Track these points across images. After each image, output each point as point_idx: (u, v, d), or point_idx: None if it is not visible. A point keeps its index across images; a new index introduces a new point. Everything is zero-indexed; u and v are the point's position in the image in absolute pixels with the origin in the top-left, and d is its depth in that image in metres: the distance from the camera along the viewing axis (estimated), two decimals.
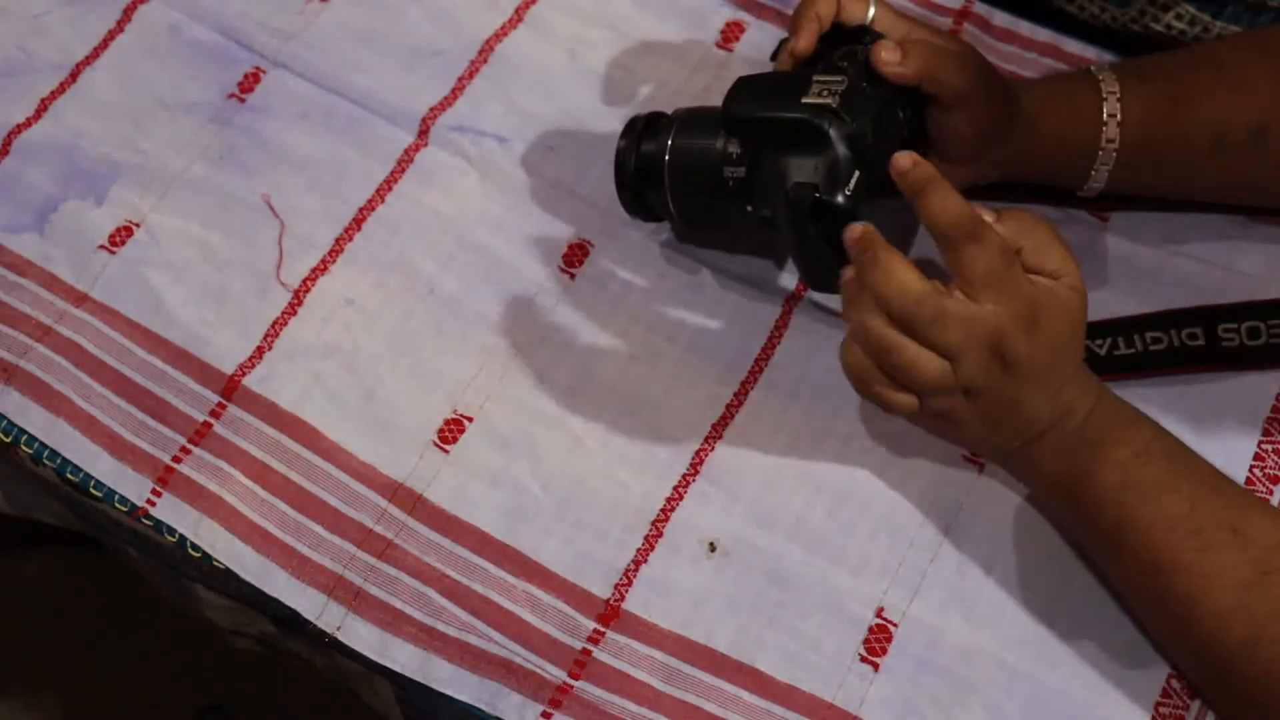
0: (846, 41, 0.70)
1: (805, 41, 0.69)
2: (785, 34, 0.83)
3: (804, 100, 0.67)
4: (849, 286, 0.63)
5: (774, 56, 0.76)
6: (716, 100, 0.74)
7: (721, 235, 0.78)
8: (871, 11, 0.71)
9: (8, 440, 0.76)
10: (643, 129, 0.73)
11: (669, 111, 0.74)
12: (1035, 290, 0.61)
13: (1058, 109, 0.71)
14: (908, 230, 0.77)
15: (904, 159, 0.60)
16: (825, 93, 0.66)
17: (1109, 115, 0.70)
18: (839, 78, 0.67)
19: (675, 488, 0.72)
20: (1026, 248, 0.62)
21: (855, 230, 0.62)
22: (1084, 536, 0.67)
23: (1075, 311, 0.63)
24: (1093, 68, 0.72)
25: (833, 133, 0.65)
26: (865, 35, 0.70)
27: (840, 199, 0.65)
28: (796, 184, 0.66)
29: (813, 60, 0.70)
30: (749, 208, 0.70)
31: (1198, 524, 0.61)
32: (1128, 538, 0.62)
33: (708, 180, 0.71)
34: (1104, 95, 0.70)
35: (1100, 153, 0.71)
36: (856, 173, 0.66)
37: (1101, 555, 0.66)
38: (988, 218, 0.62)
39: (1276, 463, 0.71)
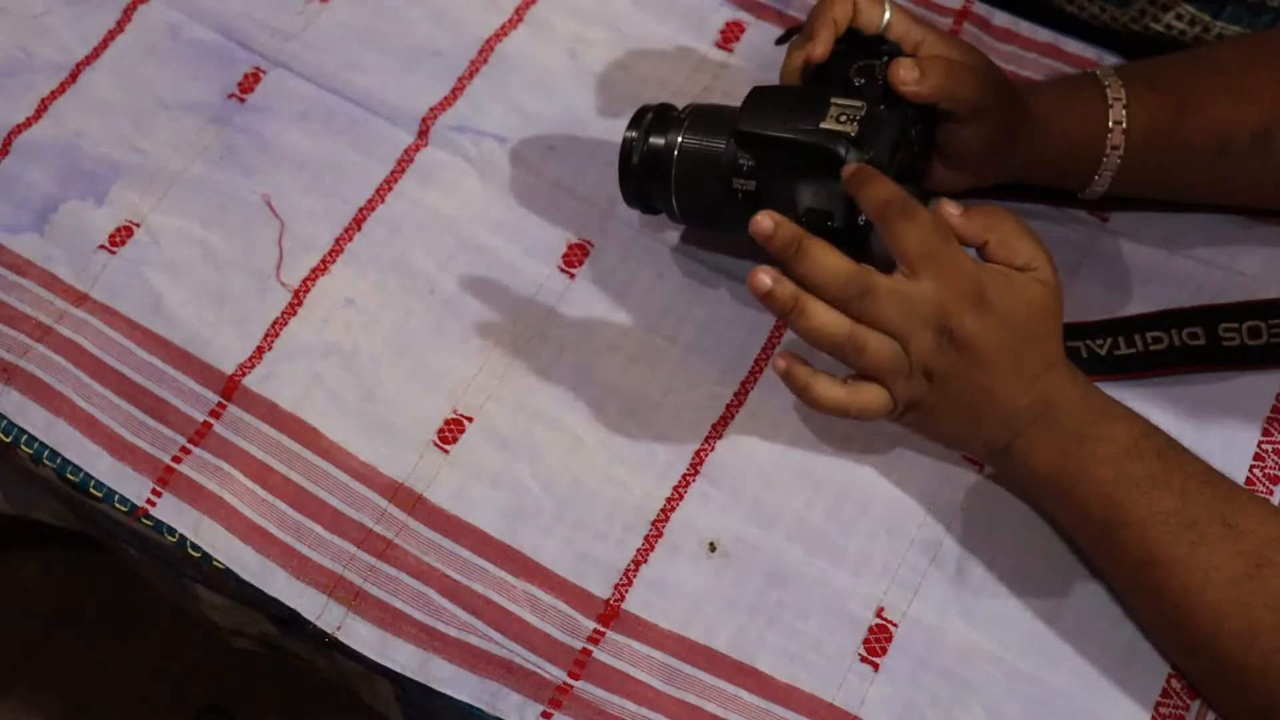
0: (862, 47, 0.69)
1: (822, 49, 0.69)
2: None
3: (822, 125, 0.66)
4: (781, 299, 0.63)
5: (780, 41, 0.75)
6: (717, 100, 0.74)
7: (722, 235, 0.78)
8: (887, 15, 0.70)
9: (8, 440, 0.76)
10: (652, 121, 0.73)
11: (677, 105, 0.74)
12: (982, 271, 0.62)
13: (1063, 115, 0.71)
14: None
15: (847, 167, 0.64)
16: (844, 118, 0.66)
17: (1115, 123, 0.70)
18: (858, 103, 0.66)
19: (675, 488, 0.72)
20: (992, 241, 0.63)
21: (766, 226, 0.62)
22: (1078, 533, 0.67)
23: (1039, 301, 0.63)
24: (1098, 72, 0.72)
25: (850, 161, 0.65)
26: (882, 44, 0.69)
27: (854, 226, 0.65)
28: (810, 209, 0.66)
29: (826, 65, 0.70)
30: None
31: (1190, 518, 0.61)
32: (1121, 532, 0.63)
33: (715, 186, 0.70)
34: (1110, 102, 0.70)
35: (1105, 159, 0.71)
36: None
37: (1096, 551, 0.66)
38: (953, 212, 0.63)
39: (1276, 463, 0.71)
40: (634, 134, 0.73)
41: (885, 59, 0.68)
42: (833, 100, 0.67)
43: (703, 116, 0.72)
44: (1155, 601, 0.64)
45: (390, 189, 0.81)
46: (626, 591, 0.70)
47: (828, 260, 0.62)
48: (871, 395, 0.64)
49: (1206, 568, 0.61)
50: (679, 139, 0.71)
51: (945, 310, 0.62)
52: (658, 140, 0.72)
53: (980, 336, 0.62)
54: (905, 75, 0.67)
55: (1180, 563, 0.61)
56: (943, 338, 0.62)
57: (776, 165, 0.68)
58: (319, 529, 0.72)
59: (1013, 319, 0.63)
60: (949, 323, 0.62)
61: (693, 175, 0.71)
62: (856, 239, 0.66)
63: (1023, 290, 0.63)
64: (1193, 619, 0.61)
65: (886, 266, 0.64)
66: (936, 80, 0.67)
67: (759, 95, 0.69)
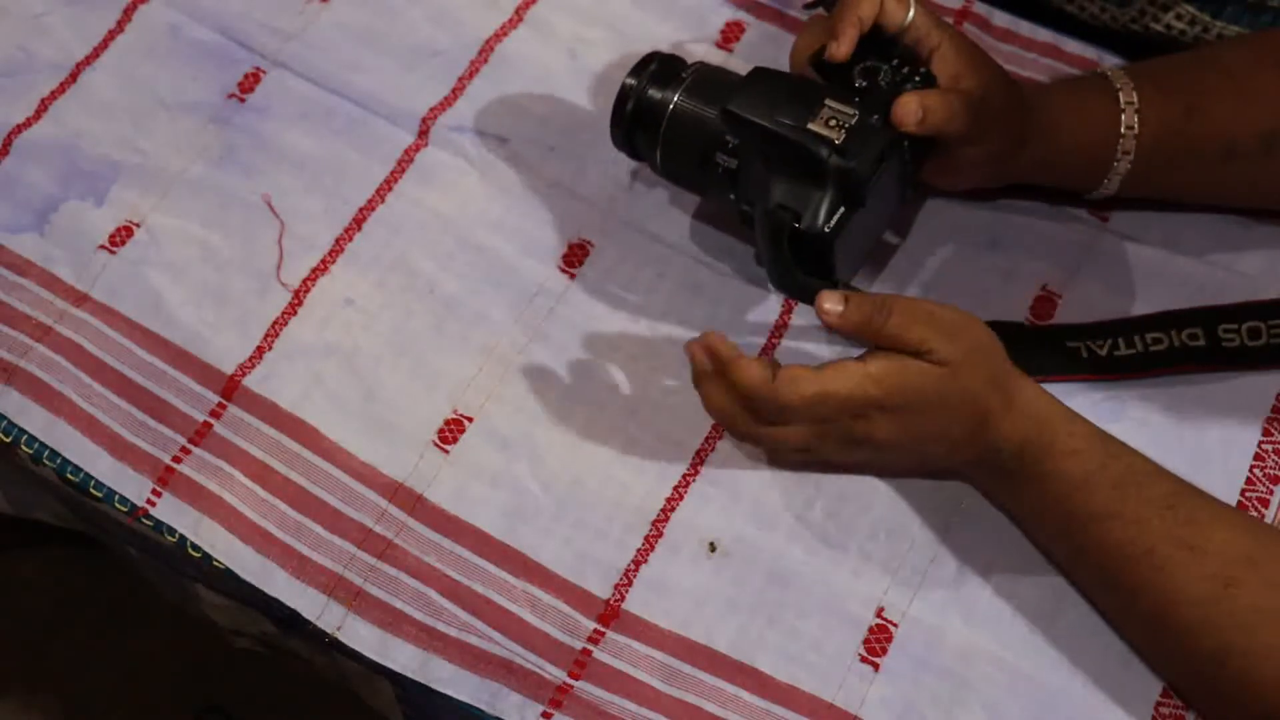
0: (879, 46, 0.69)
1: (845, 48, 0.68)
2: (785, 34, 0.84)
3: (809, 126, 0.66)
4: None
5: (809, 6, 0.75)
6: None
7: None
8: (911, 14, 0.70)
9: (8, 440, 0.76)
10: (654, 72, 0.73)
11: (688, 61, 0.74)
12: (869, 383, 0.63)
13: (1074, 119, 0.71)
14: (906, 222, 0.77)
15: (695, 347, 0.66)
16: (834, 123, 0.66)
17: (1126, 127, 0.70)
18: (851, 110, 0.66)
19: (675, 488, 0.72)
20: (878, 340, 0.64)
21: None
22: (1050, 558, 0.67)
23: (934, 385, 0.63)
24: (1108, 74, 0.72)
25: (829, 166, 0.65)
26: (895, 47, 0.69)
27: (819, 231, 0.65)
28: (779, 205, 0.66)
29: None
30: (732, 196, 0.70)
31: (1146, 546, 0.61)
32: (1080, 561, 0.64)
33: (700, 154, 0.71)
34: (1122, 106, 0.70)
35: (1115, 163, 0.71)
36: (842, 209, 0.66)
37: (1069, 577, 0.67)
38: (834, 310, 0.64)
39: (1276, 463, 0.71)
40: (634, 81, 0.73)
41: (894, 63, 0.68)
42: (827, 101, 0.66)
43: (704, 81, 0.72)
44: (1127, 625, 0.65)
45: (390, 189, 0.81)
46: (626, 591, 0.70)
47: (714, 402, 0.67)
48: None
49: (1170, 591, 0.61)
50: (675, 98, 0.71)
51: (841, 431, 0.65)
52: (655, 93, 0.72)
53: (884, 435, 0.65)
54: (908, 119, 0.66)
55: (1143, 590, 0.61)
56: (849, 443, 0.66)
57: (759, 152, 0.68)
58: (319, 529, 0.72)
59: (909, 409, 0.63)
60: (850, 436, 0.65)
61: (680, 138, 0.72)
62: (820, 243, 0.66)
63: (914, 379, 0.63)
64: (1164, 642, 0.62)
65: (852, 269, 0.67)
66: (936, 121, 0.66)
67: (758, 77, 0.69)
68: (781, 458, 0.70)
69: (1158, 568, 0.61)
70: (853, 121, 0.66)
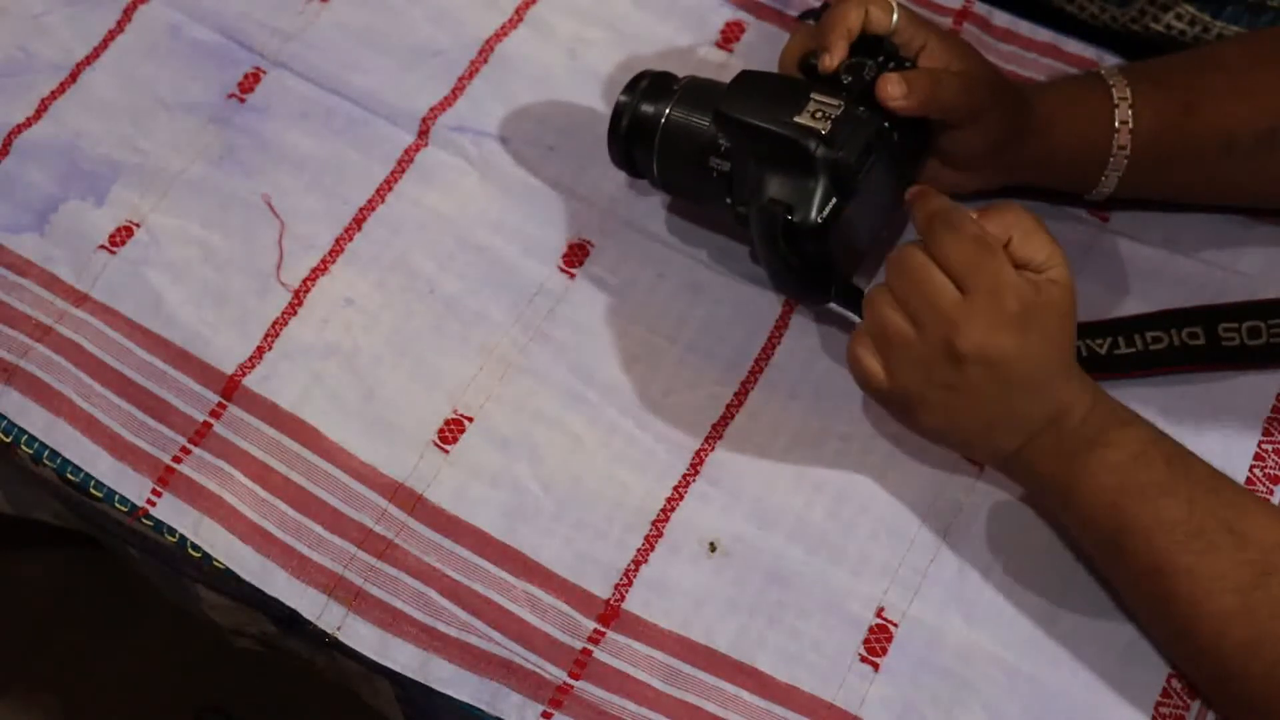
0: (865, 49, 0.69)
1: (836, 59, 0.69)
2: (785, 34, 0.84)
3: (796, 119, 0.67)
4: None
5: (802, 17, 0.75)
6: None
7: (721, 233, 0.78)
8: (895, 18, 0.70)
9: (8, 440, 0.76)
10: (646, 88, 0.73)
11: (679, 75, 0.74)
12: (1022, 283, 0.61)
13: (1069, 116, 0.71)
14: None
15: (911, 190, 0.65)
16: (820, 114, 0.66)
17: (1121, 122, 0.70)
18: (836, 101, 0.67)
19: (675, 488, 0.72)
20: (1014, 239, 0.62)
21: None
22: (1083, 539, 0.66)
23: (1063, 305, 0.62)
24: (1103, 71, 0.72)
25: (818, 158, 0.66)
26: (884, 43, 0.70)
27: (811, 223, 0.66)
28: (771, 200, 0.67)
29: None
30: (728, 200, 0.70)
31: (1197, 526, 0.61)
32: (1126, 540, 0.62)
33: (695, 162, 0.71)
34: (1116, 101, 0.70)
35: (1111, 159, 0.71)
36: (834, 200, 0.66)
37: (1101, 558, 0.66)
38: (970, 215, 0.62)
39: (1276, 463, 0.71)
40: (626, 98, 0.73)
41: (880, 58, 0.68)
42: (812, 95, 0.67)
43: (694, 92, 0.72)
44: (1160, 609, 0.64)
45: (390, 189, 0.81)
46: (627, 591, 0.70)
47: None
48: (868, 362, 0.64)
49: (1213, 576, 0.60)
50: (667, 111, 0.72)
51: (979, 328, 0.61)
52: (647, 108, 0.73)
53: (1013, 355, 0.61)
54: (892, 91, 0.67)
55: (1186, 572, 0.61)
56: (966, 360, 0.61)
57: (750, 151, 0.69)
58: (319, 529, 0.72)
59: (1044, 331, 0.61)
60: (983, 346, 0.61)
61: (676, 147, 0.72)
62: (814, 235, 0.66)
63: (1047, 297, 0.61)
64: (1197, 627, 0.61)
65: (848, 262, 0.65)
66: (921, 95, 0.67)
67: (745, 80, 0.70)
68: (890, 377, 0.64)
69: (1203, 550, 0.60)
70: (838, 112, 0.66)
